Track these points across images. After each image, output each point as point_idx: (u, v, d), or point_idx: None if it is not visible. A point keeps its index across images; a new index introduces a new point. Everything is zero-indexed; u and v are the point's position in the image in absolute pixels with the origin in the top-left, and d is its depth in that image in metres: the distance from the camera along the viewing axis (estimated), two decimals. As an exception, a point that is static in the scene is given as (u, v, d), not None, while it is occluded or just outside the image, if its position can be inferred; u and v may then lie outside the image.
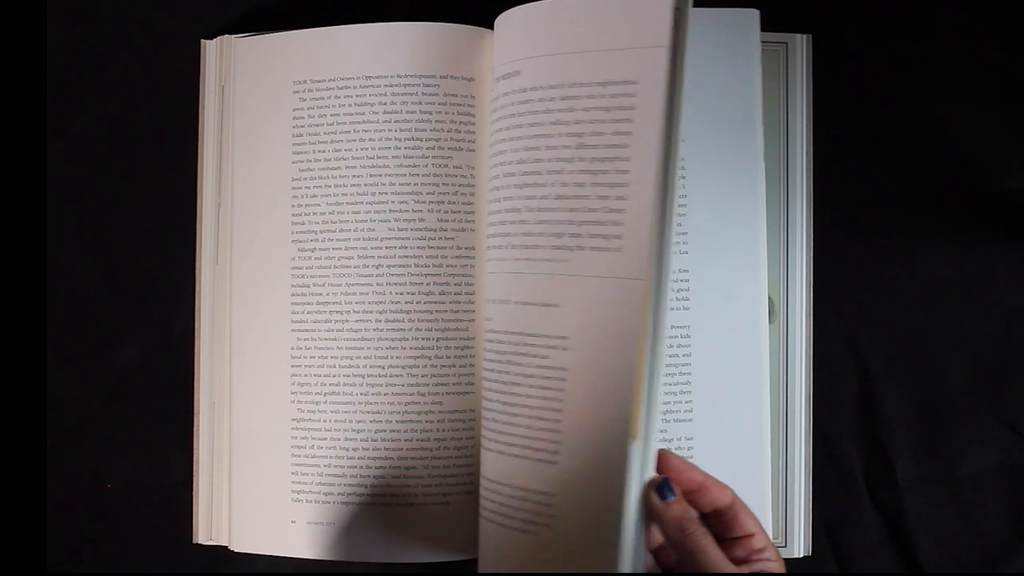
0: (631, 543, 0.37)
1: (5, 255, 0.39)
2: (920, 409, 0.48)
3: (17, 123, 0.40)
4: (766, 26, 0.45)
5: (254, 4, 0.50)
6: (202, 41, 0.49)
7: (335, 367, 0.46)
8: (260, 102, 0.48)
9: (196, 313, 0.48)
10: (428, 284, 0.46)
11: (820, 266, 0.48)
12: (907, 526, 0.47)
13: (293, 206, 0.47)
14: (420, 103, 0.46)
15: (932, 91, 0.49)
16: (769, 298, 0.46)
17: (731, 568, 0.35)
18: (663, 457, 0.38)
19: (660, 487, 0.37)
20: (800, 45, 0.48)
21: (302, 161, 0.47)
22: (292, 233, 0.47)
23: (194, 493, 0.48)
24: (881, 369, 0.48)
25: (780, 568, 0.37)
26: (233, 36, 0.49)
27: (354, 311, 0.46)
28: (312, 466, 0.46)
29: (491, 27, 0.45)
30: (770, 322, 0.47)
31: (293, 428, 0.46)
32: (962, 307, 0.48)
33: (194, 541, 0.48)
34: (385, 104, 0.46)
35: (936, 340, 0.48)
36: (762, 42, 0.46)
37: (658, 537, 0.38)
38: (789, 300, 0.47)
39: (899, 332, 0.48)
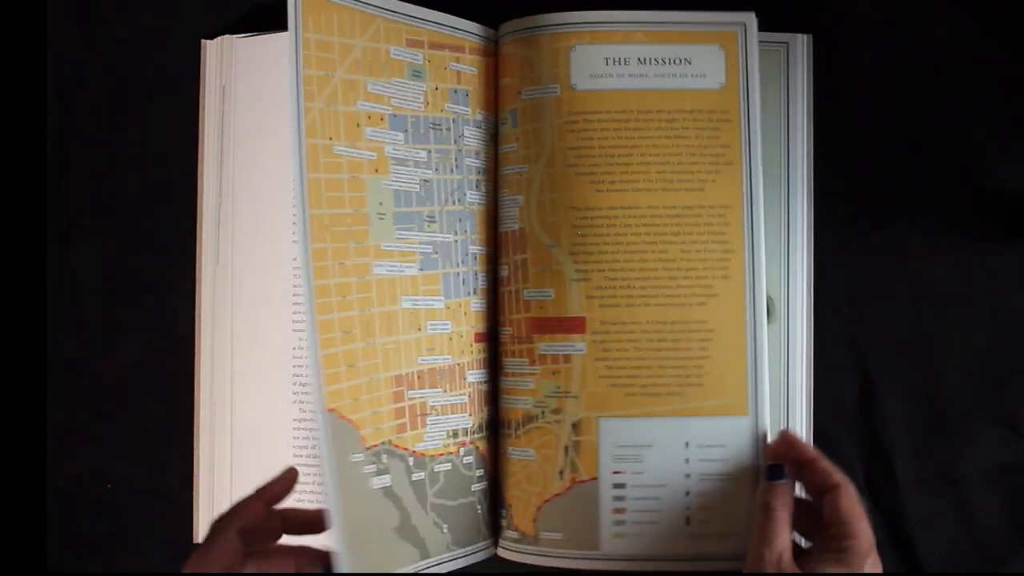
0: None
1: (5, 255, 0.39)
2: (920, 409, 0.48)
3: (17, 123, 0.40)
4: (766, 26, 0.45)
5: (254, 4, 0.50)
6: (202, 41, 0.49)
7: (335, 367, 0.46)
8: (260, 102, 0.48)
9: (196, 313, 0.48)
10: (428, 284, 0.45)
11: (820, 266, 0.48)
12: (907, 526, 0.47)
13: (293, 206, 0.47)
14: (420, 103, 0.46)
15: (932, 91, 0.49)
16: (769, 298, 0.46)
17: (788, 559, 0.36)
18: (784, 436, 0.41)
19: (772, 468, 0.40)
20: (800, 45, 0.48)
21: (302, 161, 0.47)
22: (292, 233, 0.47)
23: (194, 493, 0.48)
24: (881, 369, 0.48)
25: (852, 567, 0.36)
26: (233, 36, 0.49)
27: (354, 311, 0.46)
28: (313, 466, 0.46)
29: (492, 26, 0.45)
30: (770, 322, 0.47)
31: (295, 428, 0.46)
32: (962, 307, 0.48)
33: (194, 541, 0.48)
34: (385, 104, 0.46)
35: (936, 340, 0.48)
36: (762, 42, 0.45)
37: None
38: (789, 300, 0.47)
39: (899, 332, 0.48)
